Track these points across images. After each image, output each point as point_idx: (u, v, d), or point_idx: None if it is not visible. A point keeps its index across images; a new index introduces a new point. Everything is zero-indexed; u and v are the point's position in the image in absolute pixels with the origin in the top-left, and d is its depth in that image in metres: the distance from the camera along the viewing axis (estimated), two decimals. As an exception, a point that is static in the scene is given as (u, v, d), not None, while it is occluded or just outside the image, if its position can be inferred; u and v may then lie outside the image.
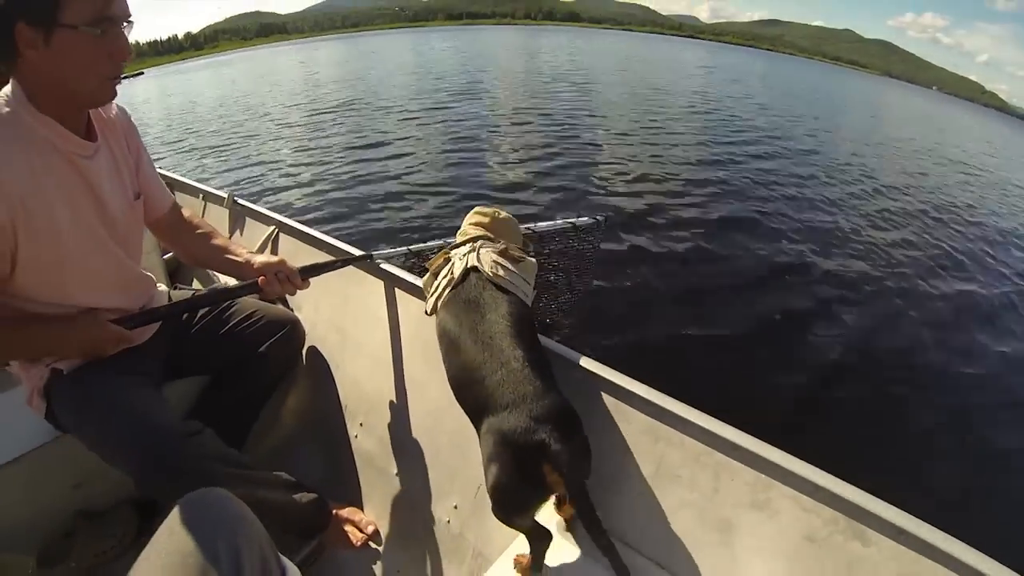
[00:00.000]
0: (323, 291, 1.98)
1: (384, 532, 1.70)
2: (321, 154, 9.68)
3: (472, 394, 1.19)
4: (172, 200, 1.64)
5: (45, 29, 1.07)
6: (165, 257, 2.52)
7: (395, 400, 1.79)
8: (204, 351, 1.68)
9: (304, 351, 1.98)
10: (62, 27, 1.08)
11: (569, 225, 1.94)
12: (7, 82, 1.17)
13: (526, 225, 1.85)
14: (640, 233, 5.86)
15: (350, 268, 1.87)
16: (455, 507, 1.59)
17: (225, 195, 2.60)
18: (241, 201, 2.57)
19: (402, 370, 1.80)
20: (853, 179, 9.85)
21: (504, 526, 1.19)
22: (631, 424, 1.33)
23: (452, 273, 1.39)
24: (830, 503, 1.06)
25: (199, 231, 1.67)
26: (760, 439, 1.17)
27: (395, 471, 1.74)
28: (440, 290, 1.39)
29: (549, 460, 1.04)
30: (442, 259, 1.47)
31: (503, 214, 1.59)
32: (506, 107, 14.06)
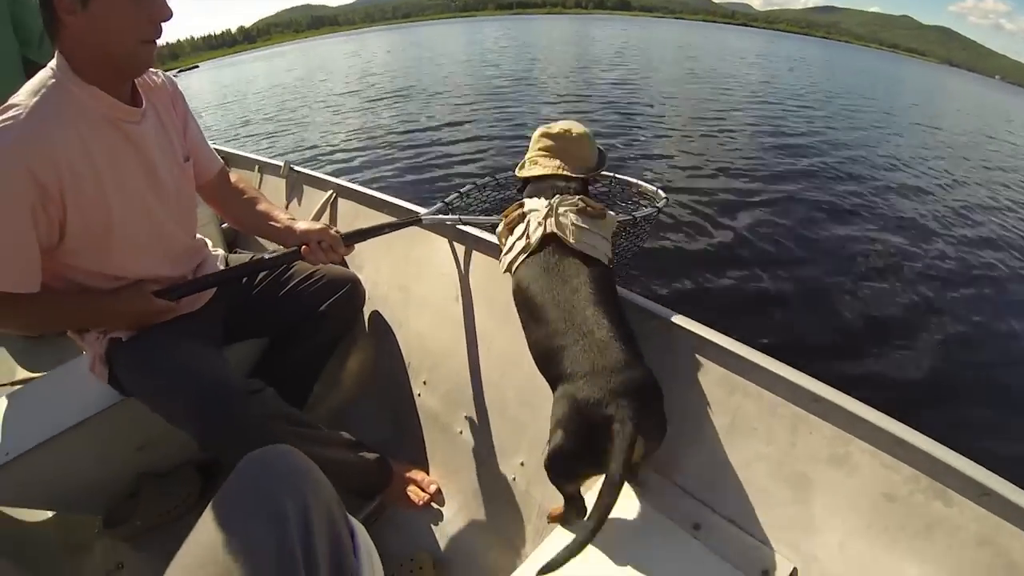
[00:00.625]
0: (384, 250, 1.96)
1: (447, 491, 1.66)
2: (376, 135, 9.74)
3: (553, 362, 1.15)
4: (220, 165, 1.62)
5: None
6: (224, 226, 2.54)
7: (460, 356, 1.74)
8: (263, 313, 1.66)
9: (366, 310, 1.95)
10: None
11: (629, 218, 1.84)
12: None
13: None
14: (707, 212, 5.69)
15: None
16: (521, 464, 1.54)
17: (281, 164, 2.59)
18: (298, 168, 2.55)
19: (467, 325, 1.75)
20: (923, 164, 9.43)
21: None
22: (706, 375, 1.27)
23: (529, 238, 1.31)
24: (912, 460, 1.00)
25: (245, 196, 1.64)
26: (841, 390, 1.10)
27: (459, 429, 1.70)
28: (516, 253, 1.33)
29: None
30: (517, 212, 1.39)
31: (576, 130, 1.49)
32: (563, 93, 13.86)
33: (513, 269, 1.33)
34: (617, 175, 1.90)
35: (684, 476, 1.24)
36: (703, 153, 8.24)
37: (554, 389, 1.15)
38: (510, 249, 1.35)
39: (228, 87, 27.59)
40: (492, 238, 1.67)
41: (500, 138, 9.02)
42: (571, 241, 1.26)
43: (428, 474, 1.70)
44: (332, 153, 8.98)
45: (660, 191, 1.88)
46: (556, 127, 1.50)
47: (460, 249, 1.81)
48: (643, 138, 9.12)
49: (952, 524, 0.95)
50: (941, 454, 0.97)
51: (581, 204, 1.34)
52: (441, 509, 1.63)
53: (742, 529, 1.14)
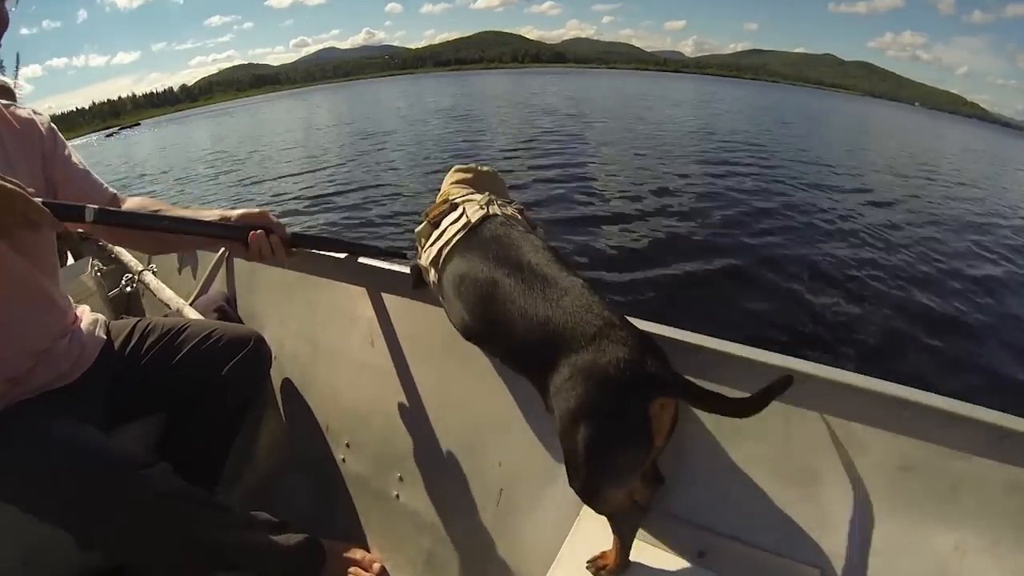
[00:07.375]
0: (287, 302, 1.77)
1: (393, 567, 1.43)
2: (316, 191, 9.71)
3: (536, 336, 0.94)
4: (111, 194, 1.35)
5: None
6: (112, 293, 2.23)
7: (384, 409, 1.53)
8: (156, 384, 1.39)
9: (275, 372, 1.69)
10: None
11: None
12: None
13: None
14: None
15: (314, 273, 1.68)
16: (477, 519, 1.34)
17: None
18: None
19: (387, 372, 1.54)
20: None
21: (541, 533, 1.06)
22: None
23: (468, 216, 1.14)
24: (921, 422, 0.92)
25: (151, 210, 1.36)
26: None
27: (395, 492, 1.49)
28: (450, 236, 1.14)
29: (662, 393, 0.84)
30: (446, 206, 1.22)
31: (486, 168, 1.35)
32: (505, 142, 13.93)
33: (442, 254, 1.15)
34: None
35: (677, 502, 1.09)
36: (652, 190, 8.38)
37: (543, 380, 0.94)
38: (437, 239, 1.17)
39: (170, 146, 27.29)
40: (401, 268, 1.47)
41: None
42: (512, 213, 1.17)
43: (368, 551, 1.47)
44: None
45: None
46: (466, 165, 1.37)
47: (369, 291, 1.60)
48: (579, 182, 9.15)
49: (977, 478, 0.88)
50: (951, 407, 0.89)
51: (519, 206, 1.23)
52: None
53: (749, 544, 1.01)
